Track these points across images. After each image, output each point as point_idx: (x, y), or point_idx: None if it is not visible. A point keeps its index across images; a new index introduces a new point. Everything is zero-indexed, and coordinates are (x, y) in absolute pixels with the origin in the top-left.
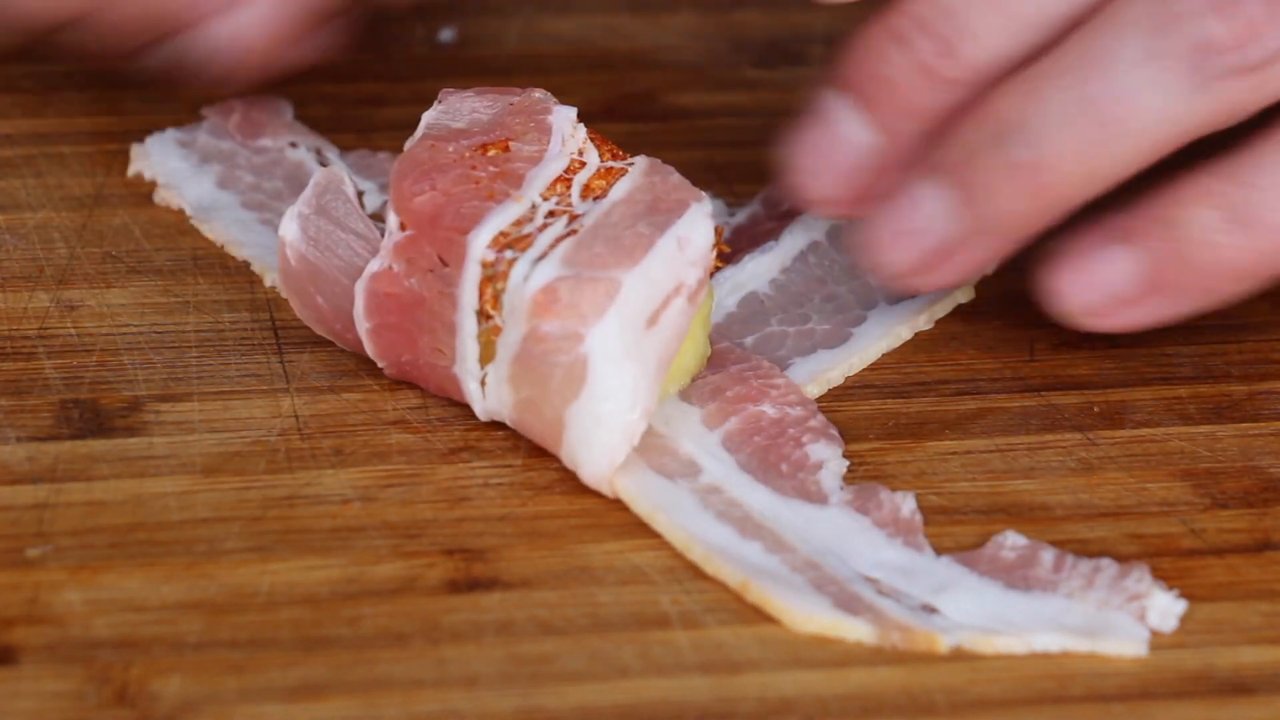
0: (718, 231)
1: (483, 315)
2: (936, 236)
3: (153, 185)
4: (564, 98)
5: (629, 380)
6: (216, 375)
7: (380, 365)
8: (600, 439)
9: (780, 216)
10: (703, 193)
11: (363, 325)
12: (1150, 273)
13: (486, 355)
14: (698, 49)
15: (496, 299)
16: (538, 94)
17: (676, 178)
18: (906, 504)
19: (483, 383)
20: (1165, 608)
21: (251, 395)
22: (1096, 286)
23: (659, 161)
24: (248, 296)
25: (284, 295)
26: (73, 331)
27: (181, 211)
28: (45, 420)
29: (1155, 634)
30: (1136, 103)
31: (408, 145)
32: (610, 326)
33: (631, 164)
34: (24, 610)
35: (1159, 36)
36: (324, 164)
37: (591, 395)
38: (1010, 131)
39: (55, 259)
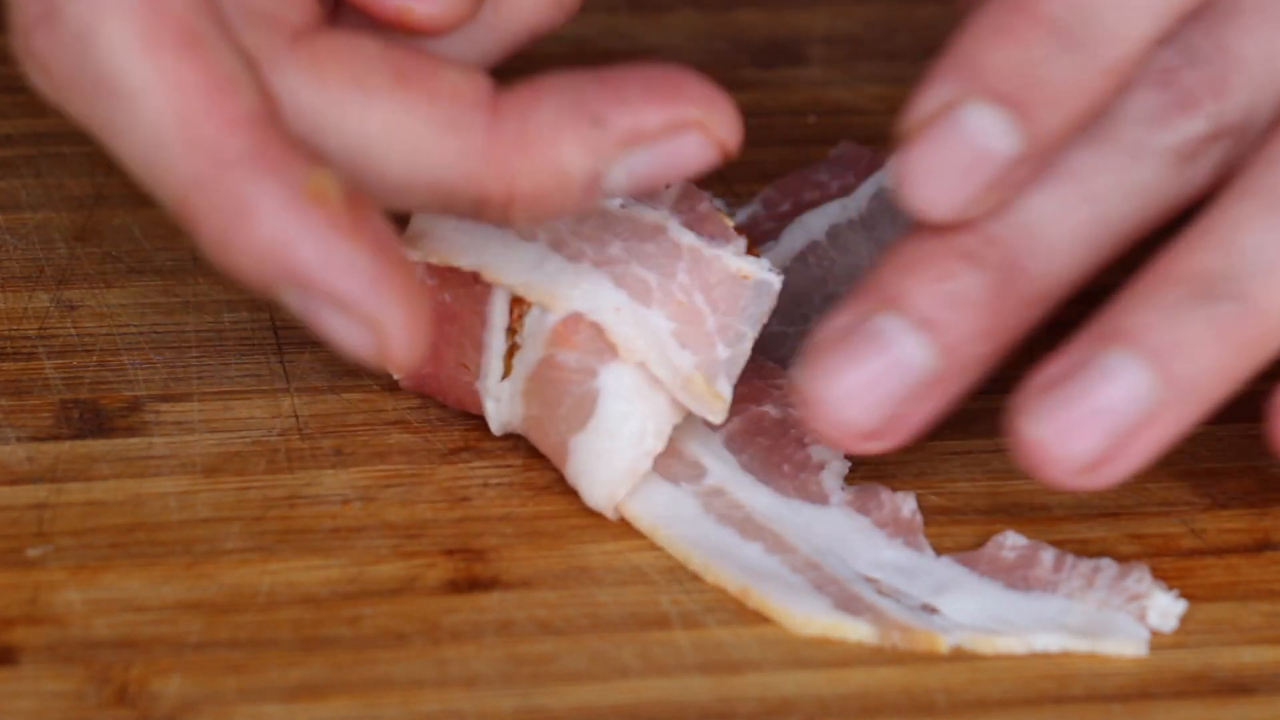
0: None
1: (509, 332)
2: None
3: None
4: None
5: (636, 420)
6: (216, 375)
7: (396, 377)
8: (602, 473)
9: (780, 216)
10: (729, 223)
11: None
12: (1157, 382)
13: (505, 370)
14: (698, 49)
15: (520, 318)
16: None
17: (706, 206)
18: (906, 504)
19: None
20: (1165, 608)
21: (251, 395)
22: (1095, 422)
23: (692, 186)
24: (248, 296)
25: None
26: (73, 331)
27: None
28: (45, 420)
29: (1155, 634)
30: None
31: None
32: (626, 364)
33: (667, 186)
34: (24, 610)
35: None
36: None
37: (597, 430)
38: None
39: (55, 259)
